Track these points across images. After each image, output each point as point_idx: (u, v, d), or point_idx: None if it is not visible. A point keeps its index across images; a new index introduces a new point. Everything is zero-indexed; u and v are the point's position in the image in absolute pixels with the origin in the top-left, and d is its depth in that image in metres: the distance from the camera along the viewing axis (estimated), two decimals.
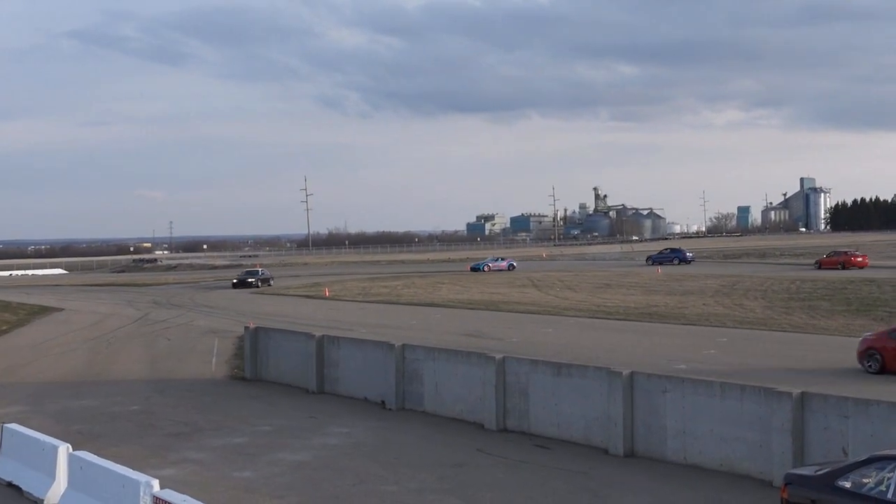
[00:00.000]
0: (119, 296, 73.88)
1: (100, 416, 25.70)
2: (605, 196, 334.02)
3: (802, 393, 17.20)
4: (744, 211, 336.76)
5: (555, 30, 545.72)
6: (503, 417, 22.58)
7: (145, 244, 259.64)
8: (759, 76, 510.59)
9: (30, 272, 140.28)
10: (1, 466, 18.70)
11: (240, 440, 22.16)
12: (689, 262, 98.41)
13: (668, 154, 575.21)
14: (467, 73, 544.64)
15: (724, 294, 57.20)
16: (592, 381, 20.70)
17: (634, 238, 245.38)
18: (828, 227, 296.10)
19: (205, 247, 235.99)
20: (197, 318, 50.97)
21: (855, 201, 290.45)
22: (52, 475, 16.87)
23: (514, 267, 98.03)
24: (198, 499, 13.19)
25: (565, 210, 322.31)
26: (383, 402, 26.04)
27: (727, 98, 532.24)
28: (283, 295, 69.59)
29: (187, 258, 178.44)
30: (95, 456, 16.04)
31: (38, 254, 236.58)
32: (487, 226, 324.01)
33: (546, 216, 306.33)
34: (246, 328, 33.41)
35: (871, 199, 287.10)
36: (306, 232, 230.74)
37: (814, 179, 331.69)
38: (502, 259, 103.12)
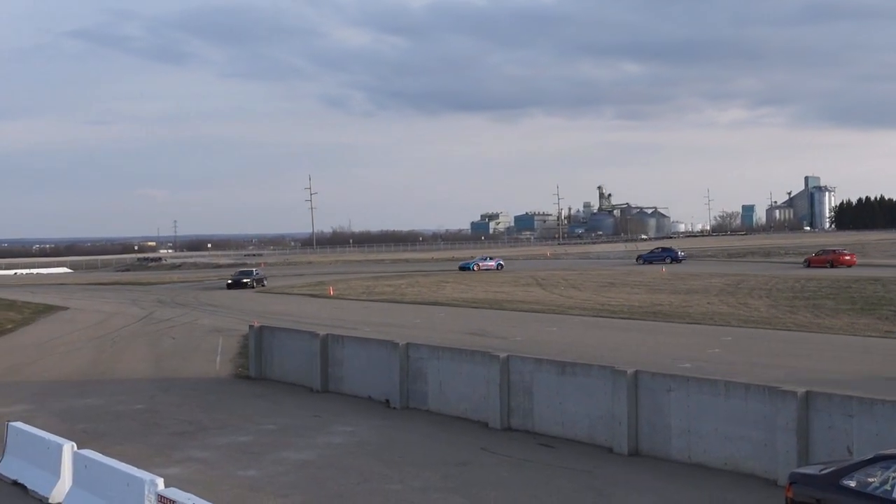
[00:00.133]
0: (124, 294, 73.94)
1: (104, 414, 25.73)
2: (610, 195, 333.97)
3: (807, 392, 17.17)
4: (748, 210, 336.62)
5: (559, 29, 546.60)
6: (507, 416, 22.58)
7: (150, 243, 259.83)
8: (763, 75, 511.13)
9: (34, 271, 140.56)
10: (6, 465, 18.74)
11: (244, 439, 22.17)
12: (681, 260, 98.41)
13: (673, 153, 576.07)
14: (472, 73, 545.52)
15: (729, 293, 57.18)
16: (597, 379, 20.69)
17: (643, 237, 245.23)
18: (832, 226, 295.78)
19: (209, 246, 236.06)
20: (201, 317, 51.01)
21: (860, 200, 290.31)
22: (56, 473, 16.90)
23: (502, 266, 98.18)
24: (202, 497, 13.20)
25: (569, 209, 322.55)
26: (387, 400, 26.05)
27: (731, 97, 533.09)
28: (288, 294, 69.61)
29: (191, 257, 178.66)
30: (100, 454, 16.06)
31: (43, 253, 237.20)
32: (492, 224, 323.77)
33: (550, 215, 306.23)
34: (250, 327, 33.43)
35: (875, 198, 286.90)
36: (310, 231, 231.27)
37: (818, 178, 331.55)
38: (490, 258, 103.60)
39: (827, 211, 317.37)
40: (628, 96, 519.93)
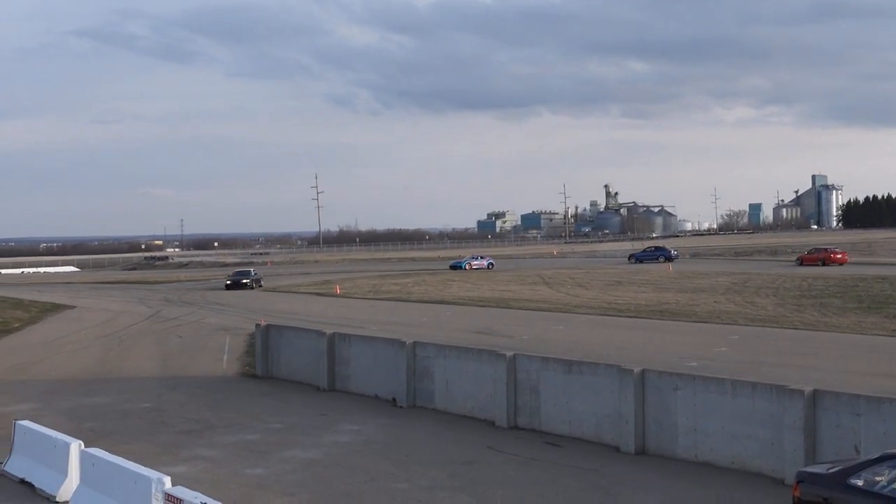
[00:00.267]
0: (130, 293, 74.03)
1: (112, 413, 25.77)
2: (616, 193, 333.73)
3: (814, 390, 17.15)
4: (755, 208, 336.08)
5: (566, 27, 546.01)
6: (514, 415, 22.58)
7: (157, 242, 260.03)
8: (769, 74, 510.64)
9: (42, 270, 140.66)
10: (14, 463, 18.79)
11: (251, 437, 22.19)
12: (674, 259, 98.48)
13: (680, 151, 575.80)
14: (478, 71, 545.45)
15: (736, 291, 57.11)
16: (603, 378, 20.68)
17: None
18: (840, 225, 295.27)
19: (216, 244, 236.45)
20: (208, 316, 51.05)
21: (867, 198, 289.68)
22: (64, 472, 16.94)
23: (493, 266, 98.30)
24: (210, 496, 13.21)
25: (576, 207, 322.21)
26: (394, 399, 26.05)
27: (737, 95, 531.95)
28: (294, 292, 69.64)
29: (198, 256, 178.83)
30: (107, 453, 16.08)
31: (50, 251, 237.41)
32: (498, 223, 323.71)
33: (557, 213, 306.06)
34: (257, 325, 33.45)
35: (883, 197, 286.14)
36: (317, 229, 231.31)
37: (826, 176, 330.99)
38: (481, 257, 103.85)
39: (834, 209, 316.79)
40: (635, 95, 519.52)
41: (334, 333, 29.71)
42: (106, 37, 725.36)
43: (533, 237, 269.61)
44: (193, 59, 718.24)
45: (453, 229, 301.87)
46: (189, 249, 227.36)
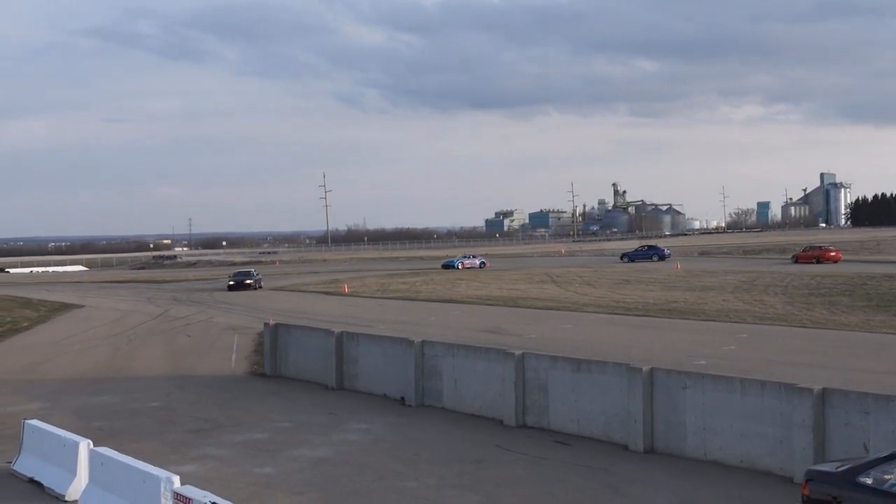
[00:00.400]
0: (139, 292, 74.19)
1: (120, 412, 25.82)
2: (624, 192, 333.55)
3: (823, 389, 17.11)
4: (763, 207, 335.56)
5: (573, 26, 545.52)
6: (522, 414, 22.57)
7: (165, 241, 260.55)
8: (778, 72, 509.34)
9: (50, 269, 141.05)
10: (23, 462, 18.83)
11: (260, 436, 22.22)
12: (666, 258, 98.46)
13: (688, 150, 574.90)
14: (486, 70, 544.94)
15: (744, 290, 57.02)
16: (612, 377, 20.65)
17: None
18: (848, 223, 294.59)
19: (224, 243, 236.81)
20: (217, 315, 51.13)
21: (875, 196, 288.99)
22: (73, 471, 16.97)
23: (485, 265, 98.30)
24: (218, 495, 13.22)
25: (584, 206, 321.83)
26: (402, 398, 26.06)
27: (746, 93, 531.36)
28: (303, 291, 69.72)
29: (206, 255, 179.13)
30: (116, 452, 16.10)
31: (59, 251, 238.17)
32: (506, 222, 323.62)
33: (565, 212, 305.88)
34: (266, 324, 33.49)
35: (891, 195, 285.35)
36: (325, 228, 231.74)
37: (834, 175, 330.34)
38: (473, 256, 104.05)
39: (843, 207, 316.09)
40: (642, 93, 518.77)
41: (343, 332, 29.73)
42: (114, 36, 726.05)
43: (541, 236, 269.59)
44: (201, 58, 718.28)
45: (461, 228, 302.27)
46: (197, 249, 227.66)
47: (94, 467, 16.28)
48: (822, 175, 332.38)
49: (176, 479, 13.80)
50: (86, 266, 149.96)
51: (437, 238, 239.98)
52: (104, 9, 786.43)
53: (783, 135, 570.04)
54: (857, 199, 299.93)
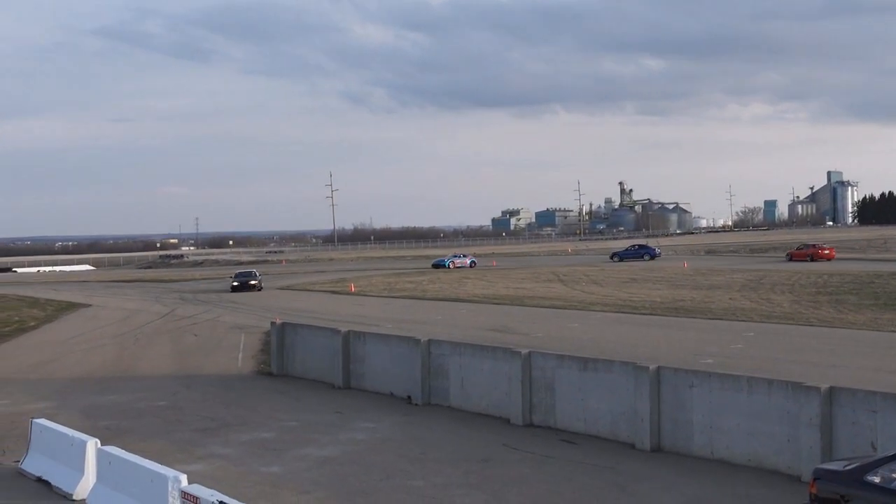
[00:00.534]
0: (146, 292, 74.23)
1: (127, 411, 25.86)
2: (631, 190, 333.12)
3: (830, 387, 17.10)
4: (770, 205, 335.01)
5: (581, 24, 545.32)
6: (529, 412, 22.57)
7: (171, 240, 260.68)
8: (786, 70, 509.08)
9: (57, 268, 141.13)
10: (31, 462, 18.86)
11: (267, 435, 22.24)
12: (657, 257, 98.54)
13: (695, 148, 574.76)
14: (493, 69, 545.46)
15: (751, 288, 56.92)
16: (619, 375, 20.65)
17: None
18: (855, 221, 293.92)
19: (230, 243, 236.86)
20: (223, 314, 51.16)
21: (883, 194, 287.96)
22: (80, 470, 17.00)
23: (475, 264, 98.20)
24: (226, 494, 13.24)
25: (591, 205, 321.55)
26: (409, 397, 26.07)
27: (753, 92, 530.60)
28: (309, 291, 69.71)
29: (213, 254, 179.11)
30: (124, 451, 16.14)
31: (66, 250, 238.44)
32: (513, 221, 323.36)
33: (571, 211, 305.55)
34: (272, 324, 33.51)
35: None
36: (331, 228, 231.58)
37: (841, 173, 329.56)
38: (464, 256, 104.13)
39: (850, 206, 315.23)
40: (650, 92, 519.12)
41: (349, 331, 29.75)
42: (122, 35, 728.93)
43: (547, 235, 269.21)
44: (209, 57, 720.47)
45: (468, 227, 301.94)
46: (204, 248, 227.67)
47: (102, 466, 16.32)
48: (829, 173, 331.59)
49: (183, 478, 13.82)
50: (93, 265, 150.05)
51: (444, 237, 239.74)
52: (112, 9, 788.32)
53: (791, 133, 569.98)
54: (865, 198, 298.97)
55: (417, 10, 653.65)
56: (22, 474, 18.76)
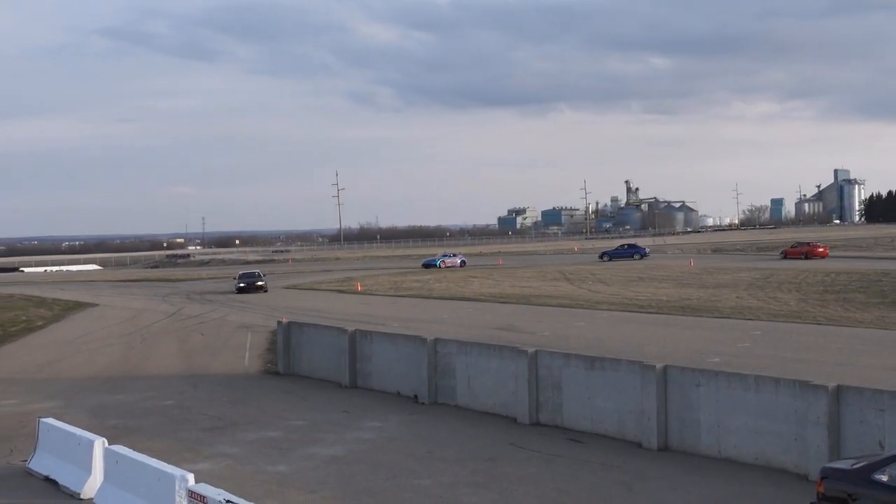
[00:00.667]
0: (153, 291, 74.30)
1: (134, 410, 25.90)
2: (637, 189, 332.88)
3: (838, 386, 17.07)
4: (777, 203, 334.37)
5: (586, 23, 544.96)
6: (536, 411, 22.56)
7: (178, 240, 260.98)
8: (792, 68, 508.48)
9: (64, 268, 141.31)
10: (38, 461, 18.90)
11: (273, 434, 22.25)
12: (646, 256, 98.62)
13: (701, 147, 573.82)
14: (498, 68, 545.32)
15: (758, 287, 56.82)
16: (626, 374, 20.62)
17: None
18: (862, 219, 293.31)
19: (237, 242, 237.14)
20: (230, 314, 51.21)
21: (890, 192, 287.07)
22: (88, 469, 17.03)
23: (465, 263, 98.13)
24: (232, 493, 13.25)
25: (597, 203, 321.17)
26: (416, 396, 26.07)
27: (760, 90, 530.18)
28: (316, 290, 69.73)
29: (220, 253, 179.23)
30: (131, 450, 16.17)
31: (73, 250, 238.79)
32: (519, 220, 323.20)
33: (578, 210, 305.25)
34: (279, 323, 33.53)
35: None
36: (338, 227, 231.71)
37: (848, 171, 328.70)
38: (454, 255, 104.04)
39: (857, 204, 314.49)
40: (656, 91, 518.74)
41: (356, 330, 29.76)
42: (128, 35, 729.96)
43: (554, 233, 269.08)
44: (214, 57, 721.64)
45: (474, 226, 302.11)
46: (210, 247, 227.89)
47: (109, 465, 16.35)
48: (835, 171, 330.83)
49: (190, 478, 13.84)
50: (99, 265, 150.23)
51: (450, 236, 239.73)
52: (117, 9, 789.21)
53: (797, 131, 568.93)
54: (872, 196, 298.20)
55: (423, 10, 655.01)
56: (30, 473, 18.80)
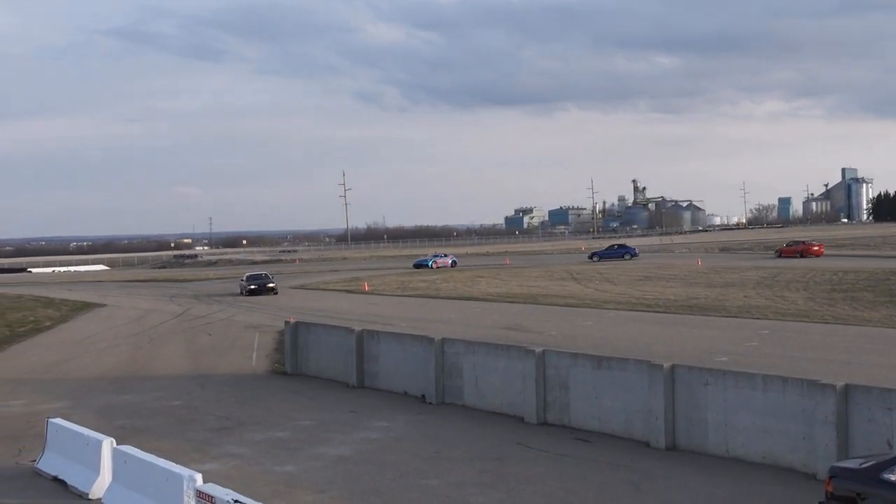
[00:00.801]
0: (160, 291, 74.37)
1: (142, 410, 25.94)
2: (644, 188, 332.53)
3: (846, 385, 17.03)
4: (785, 202, 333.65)
5: (592, 22, 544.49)
6: (543, 411, 22.55)
7: (185, 240, 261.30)
8: (800, 66, 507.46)
9: (72, 268, 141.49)
10: (47, 461, 18.94)
11: (281, 434, 22.27)
12: (636, 256, 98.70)
13: (708, 146, 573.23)
14: (505, 67, 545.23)
15: (766, 286, 56.75)
16: (633, 373, 20.60)
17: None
18: (870, 218, 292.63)
19: (244, 242, 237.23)
20: (237, 314, 51.25)
21: None
22: (96, 469, 17.06)
23: (455, 263, 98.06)
24: (240, 493, 13.26)
25: (604, 203, 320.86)
26: (423, 396, 26.07)
27: (767, 89, 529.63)
28: (323, 290, 69.76)
29: (227, 254, 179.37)
30: (139, 450, 16.18)
31: (80, 250, 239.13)
32: (526, 219, 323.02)
33: (585, 209, 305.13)
34: (286, 323, 33.56)
35: None
36: (345, 227, 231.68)
37: (856, 170, 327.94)
38: (445, 255, 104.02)
39: (864, 203, 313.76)
40: (663, 89, 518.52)
41: (363, 330, 29.77)
42: (135, 35, 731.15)
43: (561, 233, 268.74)
44: (222, 57, 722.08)
45: (481, 225, 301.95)
46: (217, 247, 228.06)
47: (118, 466, 16.37)
48: (843, 170, 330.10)
49: (198, 478, 13.85)
50: (107, 265, 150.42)
51: (457, 236, 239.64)
52: (124, 9, 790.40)
53: (805, 130, 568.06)
54: (880, 194, 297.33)
55: (429, 9, 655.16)
56: (38, 474, 18.84)
